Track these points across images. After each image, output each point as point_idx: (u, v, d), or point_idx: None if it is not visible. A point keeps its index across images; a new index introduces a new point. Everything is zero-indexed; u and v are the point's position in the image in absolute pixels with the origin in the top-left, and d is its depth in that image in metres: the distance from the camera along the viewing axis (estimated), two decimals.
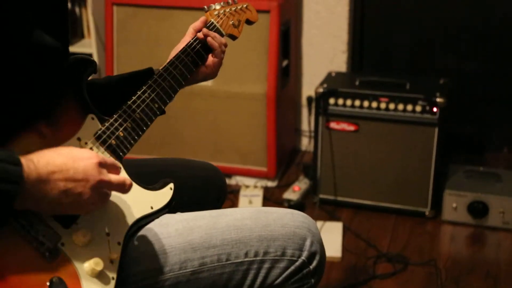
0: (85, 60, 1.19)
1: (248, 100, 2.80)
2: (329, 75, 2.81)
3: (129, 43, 2.89)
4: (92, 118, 1.15)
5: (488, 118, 3.11)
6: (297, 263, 1.22)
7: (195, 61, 1.38)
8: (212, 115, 2.88)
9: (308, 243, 1.23)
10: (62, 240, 1.02)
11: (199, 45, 1.40)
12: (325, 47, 3.08)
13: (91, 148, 1.12)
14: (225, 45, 1.44)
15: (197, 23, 1.44)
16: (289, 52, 2.93)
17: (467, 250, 2.48)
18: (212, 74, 1.44)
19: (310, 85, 3.09)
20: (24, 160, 0.92)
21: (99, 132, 1.14)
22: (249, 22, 1.56)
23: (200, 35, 1.40)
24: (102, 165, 1.00)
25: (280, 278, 1.21)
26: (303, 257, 1.22)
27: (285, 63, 2.90)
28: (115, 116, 1.18)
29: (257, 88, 2.78)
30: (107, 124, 1.16)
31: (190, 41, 1.40)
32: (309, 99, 3.04)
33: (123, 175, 1.10)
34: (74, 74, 1.16)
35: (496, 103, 3.09)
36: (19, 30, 1.02)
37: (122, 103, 1.22)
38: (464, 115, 3.09)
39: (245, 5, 1.54)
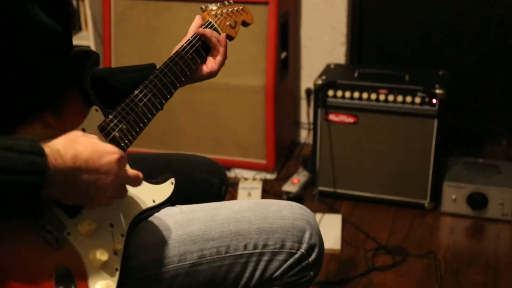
0: (88, 52, 1.19)
1: (247, 92, 2.79)
2: (328, 67, 2.81)
3: (127, 35, 2.88)
4: (96, 110, 1.16)
5: (488, 110, 3.11)
6: (296, 256, 1.21)
7: (194, 58, 1.40)
8: (211, 108, 2.87)
9: (307, 235, 1.23)
10: (67, 229, 1.03)
11: (198, 43, 1.41)
12: (324, 39, 3.07)
13: None
14: (225, 43, 1.45)
15: (198, 21, 1.46)
16: (287, 44, 2.92)
17: (466, 241, 2.48)
18: (212, 72, 1.45)
19: (309, 77, 3.08)
20: (50, 150, 0.93)
21: (103, 124, 1.15)
22: (245, 24, 1.58)
23: (200, 30, 1.41)
24: (121, 160, 1.03)
25: (279, 271, 1.21)
26: (302, 250, 1.22)
27: (283, 55, 2.89)
28: (118, 109, 1.19)
29: (255, 81, 2.77)
30: (110, 117, 1.17)
31: (189, 38, 1.41)
32: (308, 91, 3.04)
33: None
34: (77, 66, 1.17)
35: (495, 95, 3.09)
36: (22, 10, 1.01)
37: (123, 96, 1.23)
38: (463, 106, 3.09)
39: (241, 7, 1.56)
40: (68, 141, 0.97)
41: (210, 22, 1.46)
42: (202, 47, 1.42)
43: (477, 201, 2.52)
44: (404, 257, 2.32)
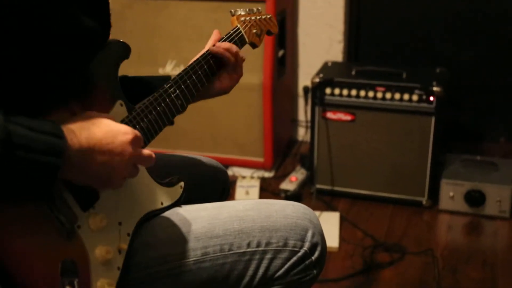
0: (120, 44, 1.19)
1: (245, 90, 2.79)
2: (325, 65, 2.81)
3: (125, 34, 2.87)
4: (121, 105, 1.17)
5: (485, 107, 3.12)
6: (299, 254, 1.22)
7: (207, 75, 1.36)
8: (208, 106, 2.85)
9: (309, 234, 1.23)
10: (78, 222, 1.04)
11: (213, 59, 1.37)
12: (322, 37, 3.07)
13: None
14: (241, 60, 1.41)
15: (215, 36, 1.41)
16: (285, 42, 2.92)
17: (464, 239, 2.49)
18: (225, 89, 1.43)
19: (306, 75, 3.08)
20: (66, 131, 0.94)
21: (126, 120, 1.15)
22: (269, 33, 1.56)
23: (212, 49, 1.36)
24: (135, 140, 1.04)
25: (283, 269, 1.21)
26: (305, 248, 1.22)
27: (281, 53, 2.89)
28: (142, 106, 1.19)
29: (253, 79, 2.77)
30: (134, 113, 1.17)
31: (204, 53, 1.37)
32: (306, 89, 3.04)
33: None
34: (109, 58, 1.17)
35: (493, 92, 3.09)
36: (66, 13, 1.03)
37: (144, 93, 1.24)
38: (461, 104, 3.09)
39: (268, 16, 1.55)
40: (84, 122, 0.99)
41: (238, 28, 1.45)
42: (215, 62, 1.38)
43: (475, 198, 2.53)
44: (402, 255, 2.32)
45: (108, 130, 1.00)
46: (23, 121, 0.91)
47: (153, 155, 1.08)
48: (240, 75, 1.43)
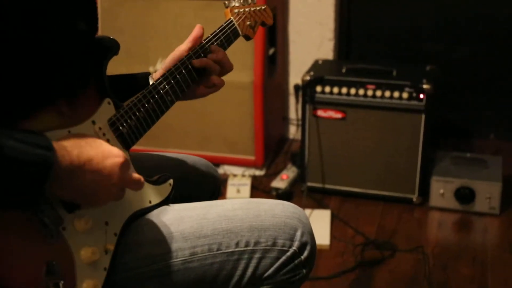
0: (109, 41, 1.19)
1: (235, 88, 2.79)
2: (316, 63, 2.81)
3: (115, 32, 2.86)
4: (109, 103, 1.16)
5: (475, 104, 3.13)
6: (288, 253, 1.21)
7: (192, 76, 1.35)
8: (199, 104, 2.85)
9: (299, 233, 1.23)
10: (63, 224, 1.03)
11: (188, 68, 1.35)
12: (312, 34, 3.07)
13: (104, 134, 1.13)
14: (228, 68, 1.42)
15: (197, 31, 1.39)
16: (275, 40, 2.92)
17: (454, 236, 2.50)
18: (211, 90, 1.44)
19: (297, 73, 3.09)
20: (57, 146, 0.94)
21: (114, 118, 1.15)
22: (264, 24, 1.55)
23: (195, 62, 1.35)
24: (125, 164, 1.04)
25: (272, 269, 1.21)
26: (294, 247, 1.22)
27: (271, 51, 2.89)
28: (130, 104, 1.19)
29: (244, 77, 2.77)
30: (122, 111, 1.17)
31: (183, 57, 1.35)
32: (296, 87, 3.04)
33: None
34: (97, 56, 1.16)
35: (483, 90, 3.10)
36: (62, 16, 1.04)
37: (133, 90, 1.24)
38: (451, 101, 3.10)
39: (263, 7, 1.53)
40: (77, 140, 0.99)
41: (231, 21, 1.43)
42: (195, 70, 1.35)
43: (465, 195, 2.54)
44: (393, 252, 2.33)
45: (100, 151, 1.01)
46: (15, 134, 0.91)
47: (142, 180, 1.08)
48: (222, 83, 1.45)
